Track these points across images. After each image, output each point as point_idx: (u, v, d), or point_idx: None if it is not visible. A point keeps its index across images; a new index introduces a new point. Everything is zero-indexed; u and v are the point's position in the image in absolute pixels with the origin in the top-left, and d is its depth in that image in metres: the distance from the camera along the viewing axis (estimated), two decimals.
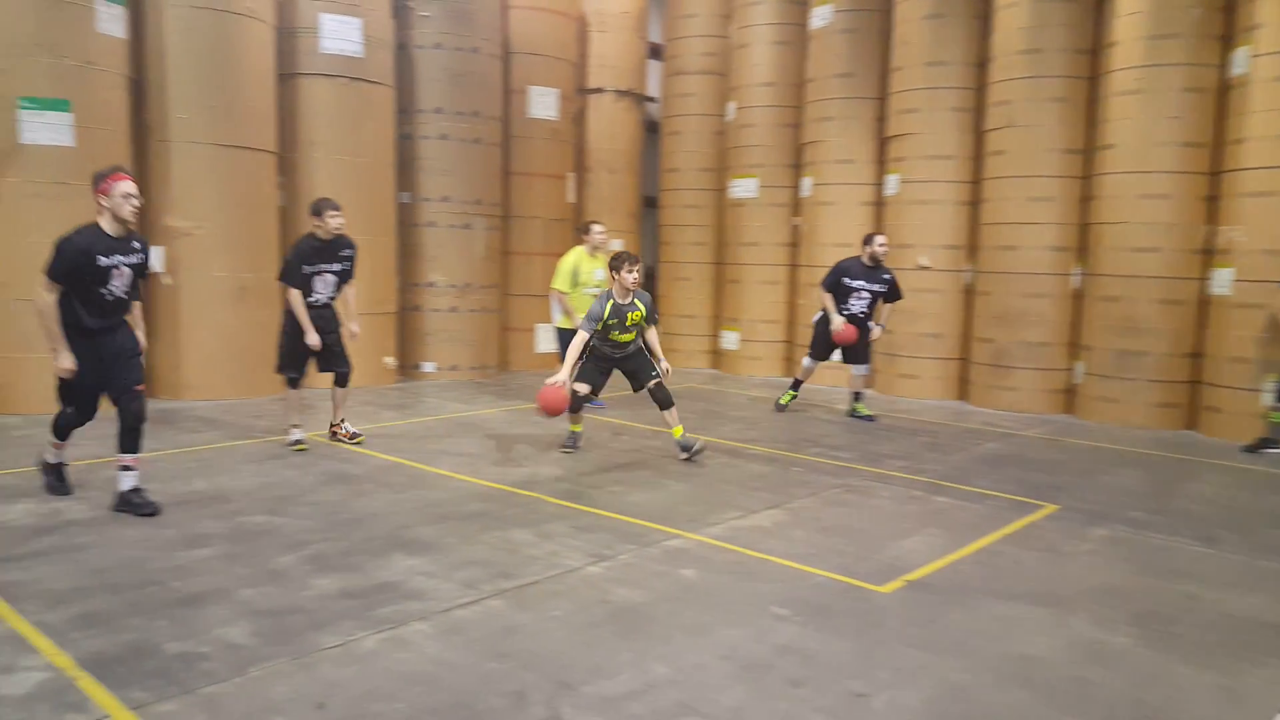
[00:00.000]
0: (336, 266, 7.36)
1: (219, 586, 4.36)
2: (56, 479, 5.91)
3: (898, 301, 9.60)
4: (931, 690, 3.52)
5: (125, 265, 5.38)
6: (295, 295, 7.19)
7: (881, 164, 11.96)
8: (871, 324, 9.53)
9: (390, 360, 11.15)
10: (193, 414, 8.76)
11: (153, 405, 8.95)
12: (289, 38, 10.27)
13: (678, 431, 7.55)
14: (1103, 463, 7.95)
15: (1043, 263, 10.41)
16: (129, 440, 5.55)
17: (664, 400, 7.53)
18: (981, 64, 11.00)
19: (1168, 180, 9.49)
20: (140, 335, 5.81)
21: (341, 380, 7.64)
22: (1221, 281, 9.18)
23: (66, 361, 5.29)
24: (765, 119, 13.03)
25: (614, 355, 7.56)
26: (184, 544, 4.98)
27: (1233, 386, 9.01)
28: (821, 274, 12.03)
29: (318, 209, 7.22)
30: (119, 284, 5.38)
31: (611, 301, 7.23)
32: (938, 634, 4.05)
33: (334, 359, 7.53)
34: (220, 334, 9.44)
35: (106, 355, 5.47)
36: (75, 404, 5.61)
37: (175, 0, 9.14)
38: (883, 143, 11.91)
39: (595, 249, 9.56)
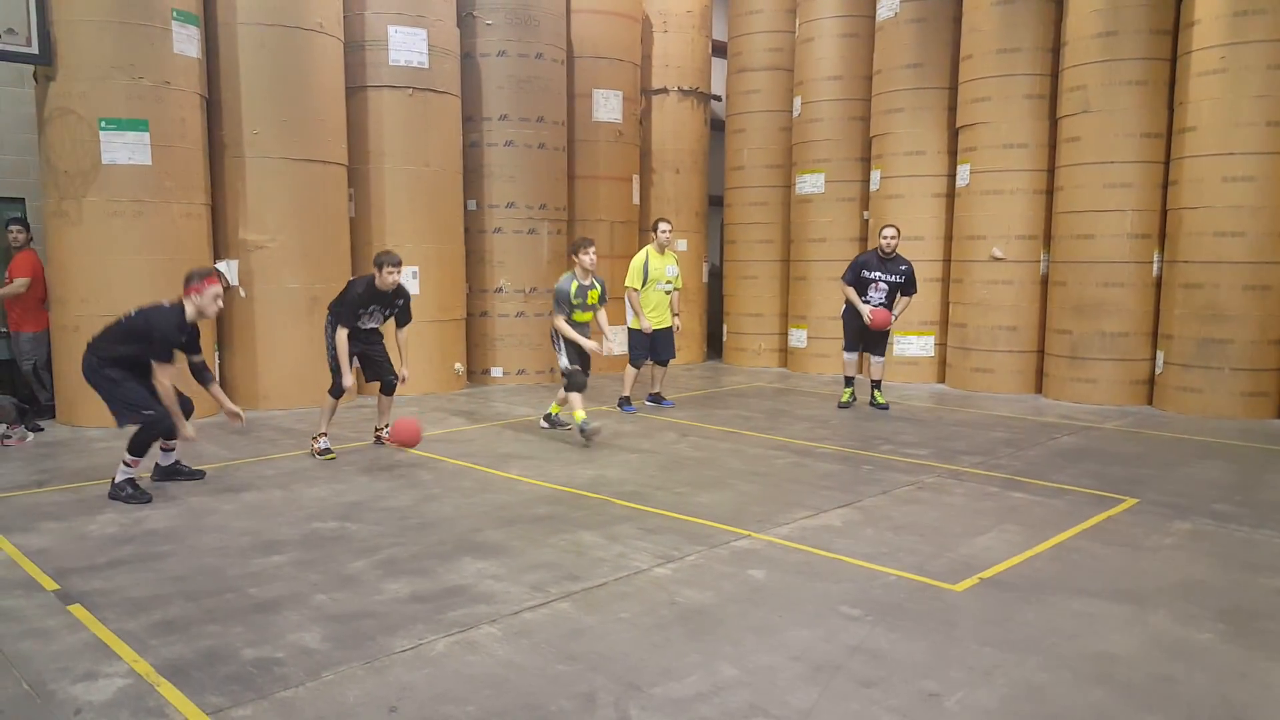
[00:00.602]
0: (388, 310, 7.73)
1: (293, 592, 4.44)
2: (134, 489, 6.16)
3: (913, 295, 9.81)
4: (1007, 690, 3.43)
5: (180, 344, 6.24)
6: (342, 336, 7.45)
7: (952, 155, 11.76)
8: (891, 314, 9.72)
9: (459, 366, 11.27)
10: (269, 423, 8.93)
11: None
12: (357, 51, 10.43)
13: (578, 416, 8.01)
14: (1185, 455, 7.71)
15: (1121, 251, 10.13)
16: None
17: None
18: (1055, 49, 10.76)
19: (1252, 162, 9.16)
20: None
21: (388, 389, 7.89)
22: None
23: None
24: (832, 113, 12.90)
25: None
26: (259, 551, 5.08)
27: None
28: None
29: (379, 263, 7.48)
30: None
31: (575, 282, 8.17)
32: (1013, 632, 3.95)
33: (379, 369, 7.85)
34: (294, 345, 9.59)
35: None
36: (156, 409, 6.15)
37: (247, 18, 9.33)
38: (953, 133, 11.71)
39: (663, 247, 9.79)
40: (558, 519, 5.69)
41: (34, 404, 8.82)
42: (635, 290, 9.76)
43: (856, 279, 9.64)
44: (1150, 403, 10.16)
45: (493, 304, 11.81)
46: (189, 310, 6.17)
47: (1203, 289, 9.48)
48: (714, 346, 15.50)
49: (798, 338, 13.28)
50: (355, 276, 8.70)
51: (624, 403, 9.82)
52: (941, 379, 11.97)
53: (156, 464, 6.56)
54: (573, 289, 8.16)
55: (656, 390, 10.16)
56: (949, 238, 11.85)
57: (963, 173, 11.39)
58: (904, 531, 5.42)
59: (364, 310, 7.55)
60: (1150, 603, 4.31)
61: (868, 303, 9.57)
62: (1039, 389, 11.03)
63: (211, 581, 4.60)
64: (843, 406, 9.94)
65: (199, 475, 6.66)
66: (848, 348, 9.98)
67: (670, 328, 10.02)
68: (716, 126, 15.18)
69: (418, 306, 8.34)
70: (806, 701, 3.33)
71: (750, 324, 14.11)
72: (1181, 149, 9.68)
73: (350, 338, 7.50)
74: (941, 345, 12.00)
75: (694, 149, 14.28)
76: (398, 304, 7.71)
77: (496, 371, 11.84)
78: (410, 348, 8.13)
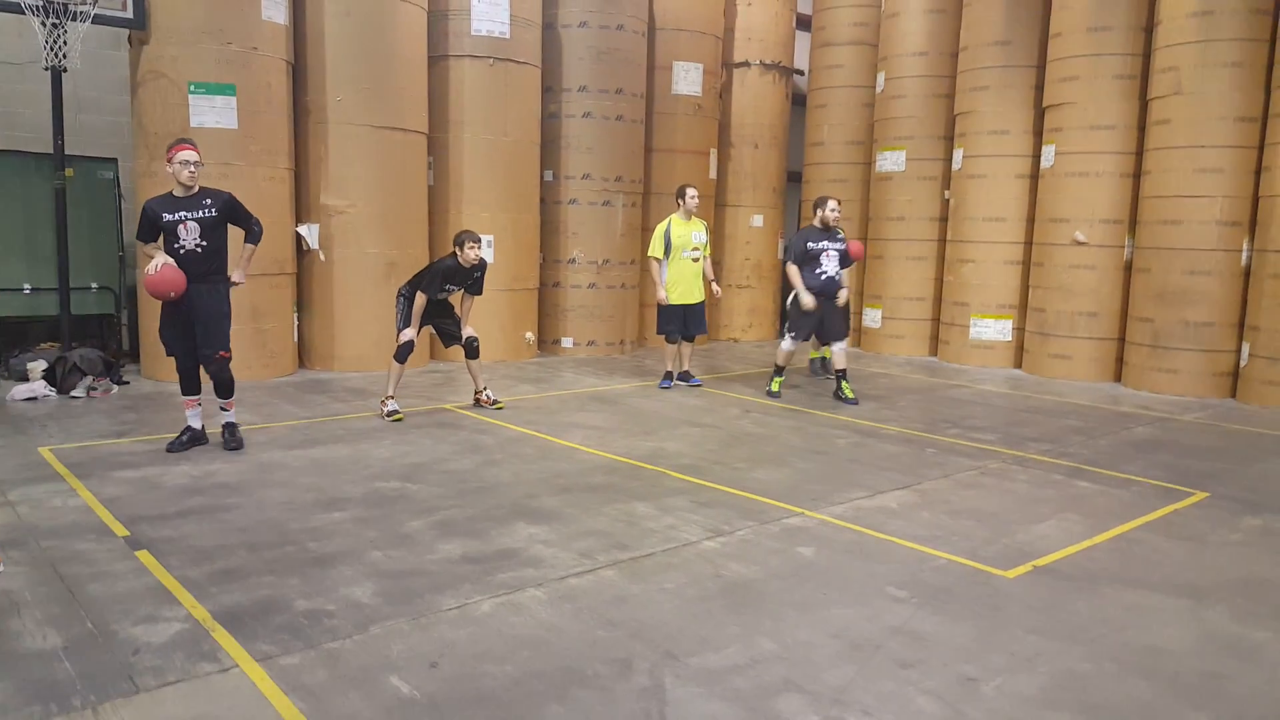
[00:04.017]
0: (467, 282, 7.91)
1: (350, 548, 4.57)
2: (190, 440, 6.46)
3: (849, 267, 9.33)
4: (1047, 678, 3.40)
5: (191, 220, 6.19)
6: (421, 300, 7.66)
7: (1037, 135, 11.46)
8: (842, 284, 9.07)
9: (530, 336, 11.40)
10: (344, 384, 9.15)
11: (307, 375, 9.59)
12: (440, 20, 10.52)
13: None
14: (1264, 450, 7.47)
15: (1209, 238, 9.79)
16: (222, 390, 6.53)
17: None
18: (1148, 28, 10.40)
19: None
20: (238, 274, 6.56)
21: (472, 353, 8.06)
22: None
23: (155, 259, 6.12)
24: (916, 89, 12.65)
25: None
26: (322, 507, 5.22)
27: None
28: (971, 249, 11.81)
29: (460, 240, 7.69)
30: (188, 237, 6.20)
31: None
32: (1061, 621, 3.91)
33: (453, 338, 8.07)
34: (371, 309, 9.79)
35: (191, 316, 6.29)
36: (168, 343, 6.42)
37: None
38: (1040, 113, 11.42)
39: (690, 213, 9.36)
40: (613, 489, 5.75)
41: (121, 357, 9.18)
42: (656, 260, 9.30)
43: (803, 254, 8.98)
44: (1234, 396, 9.84)
45: (565, 274, 11.88)
46: (174, 188, 6.29)
47: None
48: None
49: (872, 317, 13.13)
50: (434, 254, 8.84)
51: (666, 378, 9.59)
52: (1018, 364, 11.73)
53: (189, 427, 6.53)
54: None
55: (685, 368, 9.75)
56: (1031, 220, 11.57)
57: (1047, 153, 11.11)
58: (961, 516, 5.37)
59: (448, 284, 7.78)
60: (1209, 598, 4.22)
61: (823, 273, 8.90)
62: (1118, 378, 10.76)
63: (273, 534, 4.75)
64: (773, 395, 9.21)
65: (238, 446, 6.50)
66: (795, 337, 9.21)
67: (701, 302, 9.49)
68: (797, 101, 14.99)
69: (492, 274, 8.47)
70: (841, 679, 3.34)
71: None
72: (1277, 134, 9.30)
73: (425, 309, 7.72)
74: (1019, 330, 11.75)
75: (774, 124, 14.13)
76: (475, 275, 7.87)
77: (567, 342, 11.93)
78: (481, 315, 8.27)
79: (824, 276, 8.96)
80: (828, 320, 9.11)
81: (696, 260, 9.38)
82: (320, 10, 9.54)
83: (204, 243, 6.25)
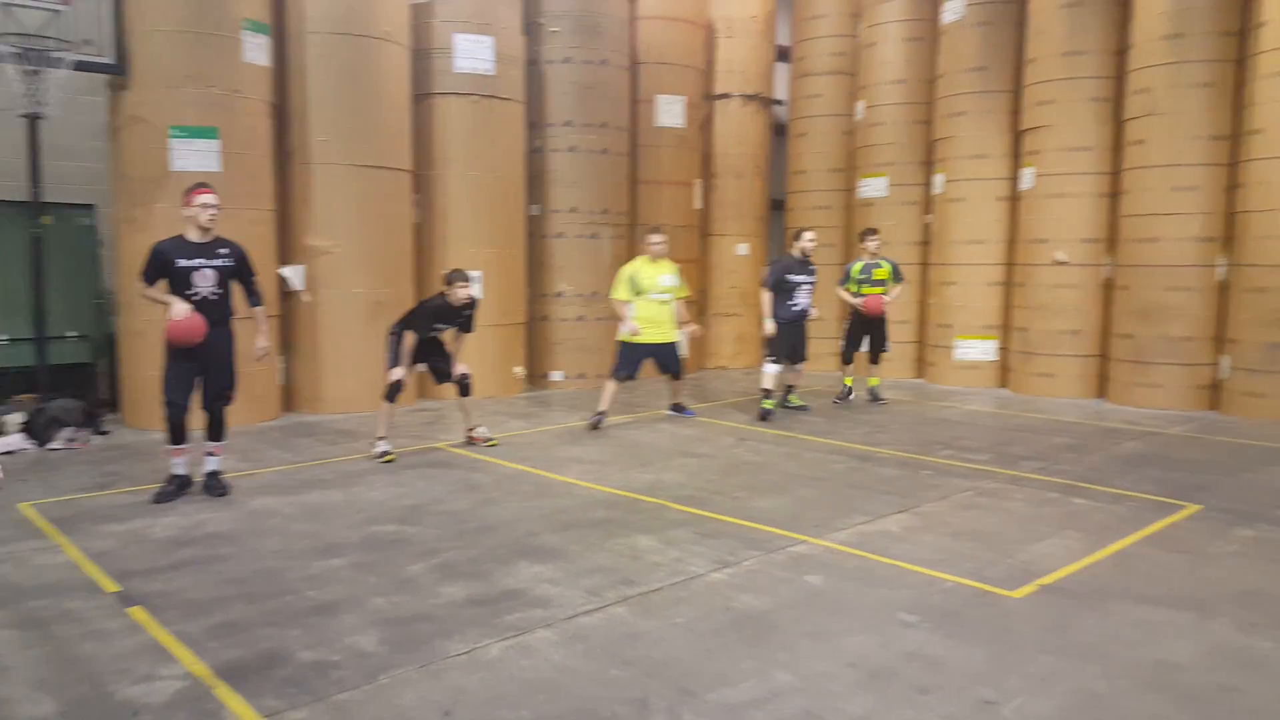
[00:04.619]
0: (457, 320, 7.92)
1: (351, 595, 4.48)
2: (177, 488, 6.29)
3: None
4: (1064, 698, 3.46)
5: (208, 268, 6.11)
6: (411, 338, 7.67)
7: (1016, 158, 11.68)
8: (810, 311, 9.81)
9: (519, 370, 11.42)
10: (332, 427, 9.05)
11: (292, 418, 9.51)
12: (423, 58, 10.58)
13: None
14: (1250, 461, 7.61)
15: (1186, 254, 10.00)
16: (218, 433, 6.43)
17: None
18: (1121, 51, 10.64)
19: None
20: (261, 340, 6.55)
21: (464, 390, 8.08)
22: None
23: (178, 306, 5.96)
24: (895, 116, 12.88)
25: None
26: (319, 554, 5.13)
27: None
28: (953, 272, 11.98)
29: (450, 279, 7.71)
30: (204, 285, 6.09)
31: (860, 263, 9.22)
32: (1072, 639, 3.97)
33: (444, 375, 8.06)
34: (357, 349, 9.69)
35: (204, 363, 6.18)
36: (172, 391, 6.16)
37: (315, 27, 9.49)
38: (1017, 136, 11.63)
39: (657, 257, 9.30)
40: (614, 523, 5.74)
41: (100, 406, 9.06)
42: (619, 301, 9.20)
43: (780, 284, 9.52)
44: (1215, 408, 10.01)
45: (554, 308, 11.94)
46: (189, 232, 6.16)
47: (1269, 293, 9.33)
48: None
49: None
50: (421, 292, 8.83)
51: (596, 416, 9.02)
52: (1004, 384, 11.87)
53: (174, 475, 6.36)
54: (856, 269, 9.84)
55: (677, 400, 9.76)
56: (1012, 241, 11.76)
57: (1026, 176, 11.30)
58: (962, 537, 5.44)
59: (437, 323, 7.80)
60: (1212, 610, 4.30)
61: (795, 304, 9.58)
62: (1102, 394, 10.91)
63: (270, 584, 4.66)
64: (764, 417, 9.46)
65: (224, 493, 6.37)
66: (774, 360, 9.60)
67: (673, 342, 9.37)
68: (779, 131, 15.19)
69: (479, 310, 8.42)
70: (862, 709, 3.38)
71: (810, 328, 14.06)
72: (1249, 151, 9.53)
73: (416, 347, 7.74)
74: (1004, 349, 11.90)
75: (756, 153, 14.30)
76: (465, 314, 7.89)
77: (557, 375, 11.97)
78: (469, 351, 8.26)
79: (795, 309, 9.64)
80: (796, 344, 9.79)
81: (665, 303, 9.26)
82: (303, 51, 9.55)
83: (220, 291, 6.19)
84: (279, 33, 9.56)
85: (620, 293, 9.24)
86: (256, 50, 9.06)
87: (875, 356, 10.68)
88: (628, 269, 9.33)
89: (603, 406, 9.07)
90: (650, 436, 8.63)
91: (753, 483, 6.82)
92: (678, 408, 9.79)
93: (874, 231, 10.45)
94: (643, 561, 5.00)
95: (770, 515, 5.89)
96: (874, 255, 10.31)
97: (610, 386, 9.17)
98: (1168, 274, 10.09)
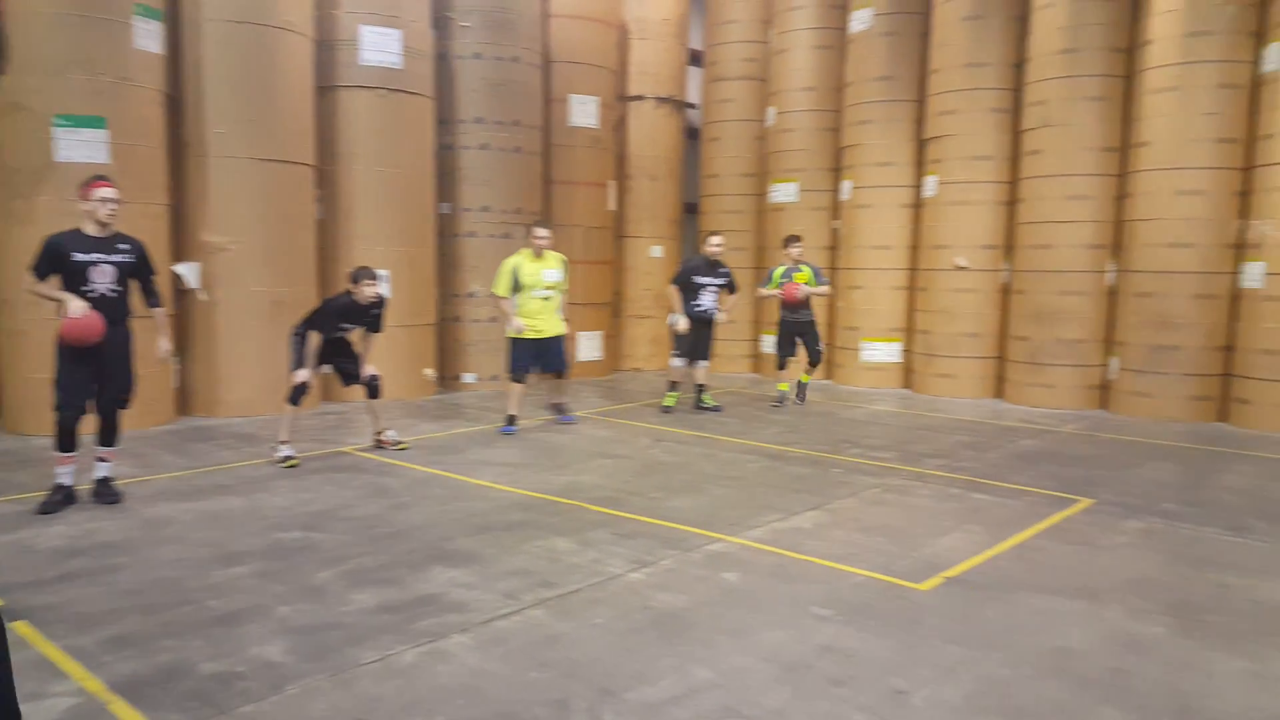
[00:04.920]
0: (364, 320, 7.80)
1: (255, 604, 4.34)
2: (64, 498, 5.98)
3: (735, 293, 10.37)
4: (971, 685, 3.62)
5: (107, 264, 5.89)
6: (316, 338, 7.51)
7: (920, 166, 12.03)
8: (718, 314, 10.17)
9: (430, 372, 11.28)
10: (230, 431, 8.75)
11: (188, 422, 9.18)
12: (328, 50, 10.34)
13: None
14: (1137, 456, 8.02)
15: (1079, 260, 10.47)
16: (111, 438, 6.24)
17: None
18: (1019, 64, 11.05)
19: (1202, 176, 9.54)
20: (163, 341, 6.40)
21: (373, 392, 7.94)
22: (1253, 275, 9.30)
23: (74, 303, 5.69)
24: (805, 123, 13.14)
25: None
26: (220, 562, 4.94)
27: (1264, 379, 9.18)
28: (860, 276, 12.28)
29: (356, 277, 7.57)
30: (102, 282, 5.87)
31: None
32: (977, 629, 4.15)
33: (352, 377, 7.95)
34: (256, 350, 9.41)
35: (99, 358, 5.92)
36: (66, 394, 5.87)
37: (213, 14, 9.16)
38: (921, 145, 11.97)
39: (540, 251, 9.07)
40: (531, 525, 5.71)
41: None
42: (501, 298, 9.06)
43: (687, 283, 10.03)
44: (1104, 407, 10.51)
45: (465, 309, 11.86)
46: (86, 225, 5.88)
47: (1154, 298, 9.86)
48: None
49: (768, 343, 13.45)
50: (324, 291, 8.60)
51: (509, 422, 8.88)
52: (907, 384, 12.22)
53: (59, 485, 6.02)
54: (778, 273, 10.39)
55: (558, 400, 9.54)
56: (915, 247, 12.11)
57: (930, 183, 11.66)
58: (872, 533, 5.62)
59: (343, 323, 7.66)
60: (1105, 599, 4.53)
61: (698, 305, 9.99)
62: (999, 394, 11.34)
63: (168, 594, 4.46)
64: (666, 410, 10.15)
65: (116, 500, 6.13)
66: (679, 355, 10.16)
67: (559, 336, 9.23)
68: (692, 134, 15.35)
69: (389, 310, 8.27)
70: (778, 701, 3.47)
71: (722, 330, 14.23)
72: (1136, 163, 10.02)
73: (322, 348, 7.59)
74: (908, 352, 12.25)
75: (669, 156, 14.42)
76: (372, 313, 7.75)
77: (469, 377, 11.89)
78: (377, 352, 8.16)
79: (699, 309, 10.05)
80: (699, 343, 10.14)
81: (548, 299, 9.09)
82: (199, 39, 9.19)
83: (119, 289, 5.96)
84: (174, 20, 9.19)
85: (501, 288, 9.04)
86: (148, 37, 8.69)
87: (813, 360, 10.74)
88: (510, 263, 9.07)
89: (512, 410, 8.94)
90: (566, 438, 8.66)
91: (669, 483, 6.90)
92: (558, 408, 9.54)
93: (797, 239, 10.60)
94: (560, 563, 5.00)
95: (687, 514, 5.98)
96: (796, 261, 10.51)
97: (516, 389, 9.03)
98: (1061, 279, 10.54)
